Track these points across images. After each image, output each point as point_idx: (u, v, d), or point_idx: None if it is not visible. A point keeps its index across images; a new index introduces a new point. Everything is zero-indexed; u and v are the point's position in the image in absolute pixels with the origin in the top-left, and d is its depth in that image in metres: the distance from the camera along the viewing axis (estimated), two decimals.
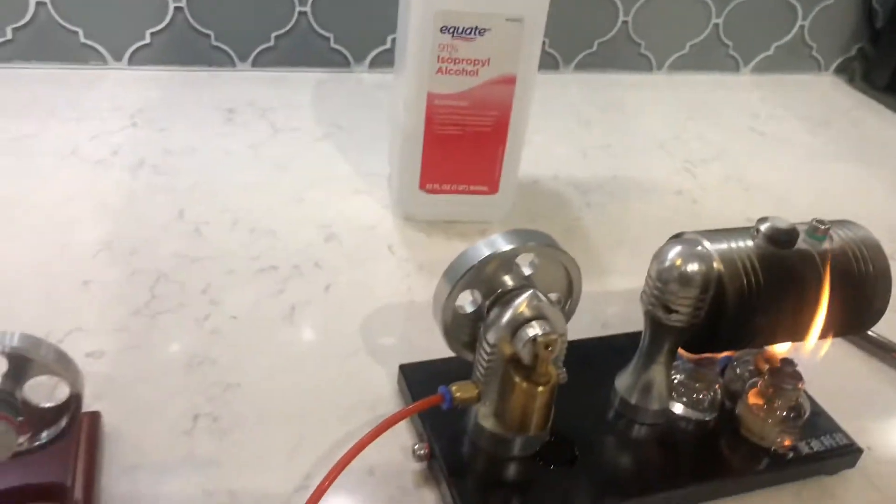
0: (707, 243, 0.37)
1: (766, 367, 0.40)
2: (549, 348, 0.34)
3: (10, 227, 0.52)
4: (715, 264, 0.36)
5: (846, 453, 0.40)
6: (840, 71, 0.96)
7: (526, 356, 0.34)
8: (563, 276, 0.38)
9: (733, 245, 0.37)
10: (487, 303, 0.36)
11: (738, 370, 0.43)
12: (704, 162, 0.72)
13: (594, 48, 0.86)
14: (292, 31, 0.76)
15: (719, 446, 0.40)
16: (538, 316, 0.35)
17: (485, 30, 0.49)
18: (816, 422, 0.41)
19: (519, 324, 0.35)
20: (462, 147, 0.54)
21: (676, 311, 0.37)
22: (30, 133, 0.62)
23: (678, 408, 0.41)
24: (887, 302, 0.38)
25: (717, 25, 0.88)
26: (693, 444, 0.40)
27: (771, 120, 0.82)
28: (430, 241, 0.56)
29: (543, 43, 0.83)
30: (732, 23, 0.88)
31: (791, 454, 0.40)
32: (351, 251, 0.54)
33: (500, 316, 0.35)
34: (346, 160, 0.64)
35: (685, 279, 0.36)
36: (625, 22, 0.85)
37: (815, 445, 0.40)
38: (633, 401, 0.40)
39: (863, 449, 0.41)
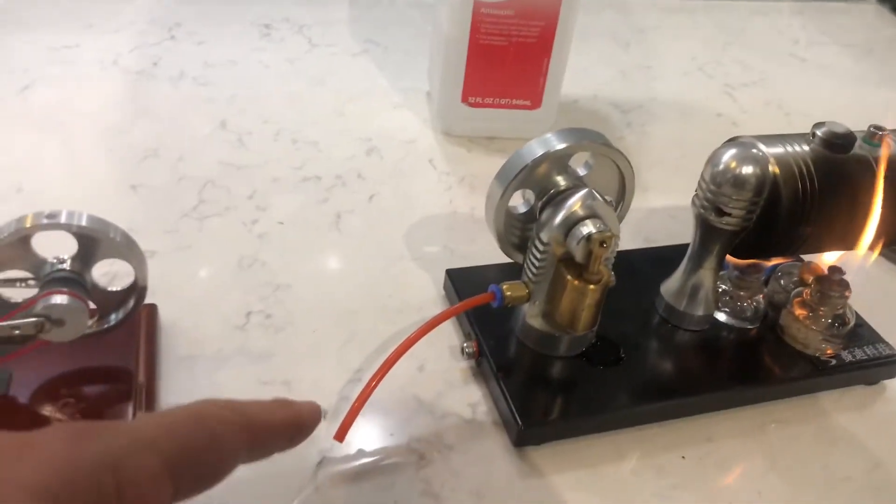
0: (763, 146, 0.36)
1: (812, 277, 0.40)
2: (604, 244, 0.34)
3: (59, 132, 0.52)
4: (770, 167, 0.36)
5: (888, 363, 0.41)
6: (884, 0, 0.93)
7: (579, 254, 0.34)
8: (617, 176, 0.38)
9: (789, 149, 0.37)
10: (540, 203, 0.37)
11: (782, 282, 0.43)
12: (745, 86, 0.71)
13: None
14: None
15: (761, 353, 0.41)
16: (592, 215, 0.35)
17: None
18: (859, 332, 0.42)
19: (573, 222, 0.35)
20: (506, 58, 0.53)
21: (729, 214, 0.37)
22: (70, 44, 0.62)
23: (721, 316, 0.41)
24: None
25: None
26: (736, 350, 0.41)
27: (812, 46, 0.81)
28: (471, 156, 0.56)
29: None
30: None
31: (833, 361, 0.40)
32: (393, 164, 0.54)
33: (553, 215, 0.35)
34: (383, 76, 0.64)
35: (739, 181, 0.36)
36: None
37: (858, 354, 0.41)
38: (679, 307, 0.41)
39: None
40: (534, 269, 0.36)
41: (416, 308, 0.42)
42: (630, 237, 0.50)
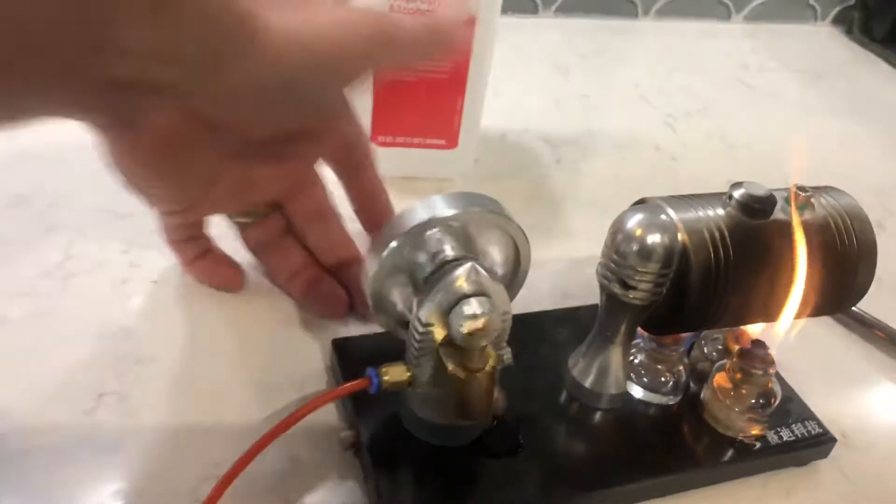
0: (671, 211, 0.32)
1: (736, 347, 0.36)
2: (484, 331, 0.30)
3: None
4: (679, 235, 0.32)
5: (819, 443, 0.37)
6: (838, 21, 0.90)
7: (459, 339, 0.30)
8: (511, 246, 0.34)
9: (701, 213, 0.33)
10: (423, 276, 0.32)
11: (705, 349, 0.39)
12: (687, 115, 0.67)
13: None
14: None
15: (681, 434, 0.36)
16: (478, 292, 0.31)
17: None
18: (788, 407, 0.38)
19: (455, 300, 0.30)
20: (416, 96, 0.49)
21: (635, 288, 0.32)
22: None
23: (637, 391, 0.37)
24: (871, 279, 0.35)
25: None
26: (652, 431, 0.36)
27: (761, 72, 0.77)
28: None
29: None
30: None
31: (758, 444, 0.36)
32: None
33: (434, 290, 0.31)
34: None
35: (645, 252, 0.32)
36: None
37: (786, 435, 0.37)
38: (586, 384, 0.36)
39: (836, 438, 0.37)
40: (415, 350, 0.32)
41: (298, 384, 0.38)
42: (546, 293, 0.45)
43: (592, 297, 0.44)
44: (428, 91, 0.49)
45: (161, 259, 0.43)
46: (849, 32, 0.89)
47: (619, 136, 0.63)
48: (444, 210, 0.32)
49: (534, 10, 0.80)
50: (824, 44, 0.87)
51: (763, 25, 0.87)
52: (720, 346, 0.39)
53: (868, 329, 0.45)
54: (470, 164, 0.54)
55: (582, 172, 0.58)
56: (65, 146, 0.50)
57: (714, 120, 0.67)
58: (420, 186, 0.53)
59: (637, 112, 0.67)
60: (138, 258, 0.43)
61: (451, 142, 0.51)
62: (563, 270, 0.48)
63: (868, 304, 0.46)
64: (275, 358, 0.39)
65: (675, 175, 0.59)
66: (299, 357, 0.39)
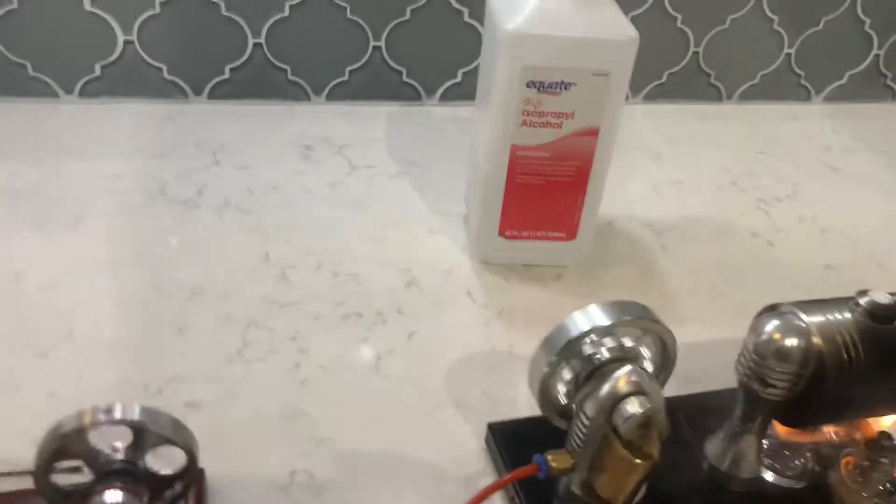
0: (804, 316, 0.37)
1: (860, 437, 0.40)
2: (650, 427, 0.34)
3: (110, 269, 0.54)
4: (814, 339, 0.36)
5: None
6: None
7: (626, 432, 0.35)
8: (659, 344, 0.38)
9: (832, 318, 0.37)
10: (584, 374, 0.37)
11: (834, 438, 0.43)
12: (778, 200, 0.71)
13: (663, 79, 0.85)
14: (366, 66, 0.77)
15: None
16: (637, 391, 0.35)
17: (571, 84, 0.50)
18: None
19: (617, 399, 0.35)
20: (542, 195, 0.54)
21: (773, 386, 0.37)
22: (119, 171, 0.64)
23: (768, 475, 0.41)
24: None
25: (789, 55, 0.87)
26: None
27: (844, 153, 0.81)
28: (508, 286, 0.56)
29: None
30: (805, 52, 0.87)
31: None
32: (431, 296, 0.54)
33: (597, 388, 0.35)
34: (421, 198, 0.65)
35: (783, 354, 0.36)
36: (695, 52, 0.84)
37: None
38: (723, 468, 0.40)
39: None
40: (579, 440, 0.36)
41: (459, 463, 0.42)
42: (674, 379, 0.49)
43: (710, 380, 0.48)
44: (553, 191, 0.54)
45: (327, 343, 0.49)
46: None
47: (717, 221, 0.67)
48: (602, 319, 0.36)
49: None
50: None
51: (843, 106, 0.91)
52: (842, 433, 0.42)
53: None
54: (587, 251, 0.59)
55: (685, 258, 0.62)
56: (225, 236, 0.57)
57: (805, 204, 0.71)
58: (540, 273, 0.58)
59: (730, 197, 0.71)
60: (306, 343, 0.49)
61: (571, 234, 0.56)
62: (683, 355, 0.52)
63: None
64: (435, 440, 0.44)
65: (773, 261, 0.63)
66: (456, 438, 0.44)
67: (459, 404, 0.46)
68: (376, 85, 0.79)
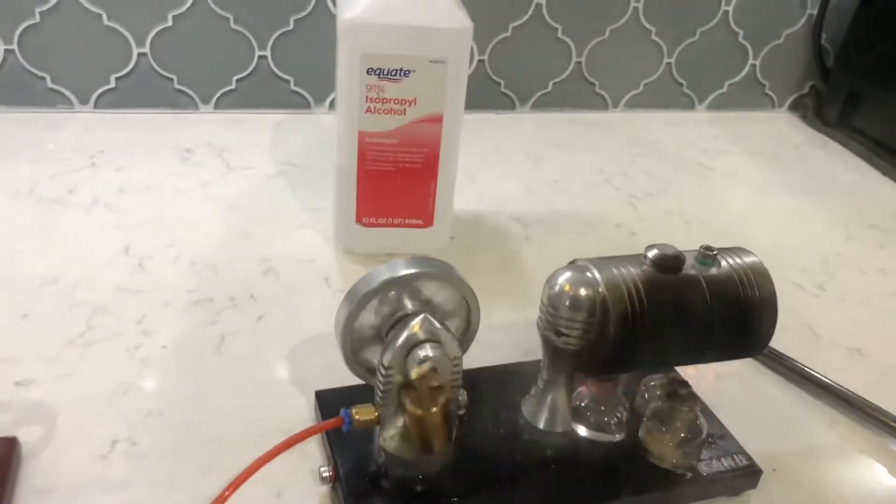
0: (595, 270, 0.38)
1: (664, 385, 0.42)
2: (434, 372, 0.35)
3: None
4: (600, 289, 0.38)
5: (746, 474, 0.42)
6: (794, 108, 0.98)
7: (415, 378, 0.36)
8: (463, 303, 0.40)
9: (621, 271, 0.39)
10: (387, 327, 0.38)
11: (646, 395, 0.44)
12: (649, 196, 0.74)
13: (549, 88, 0.88)
14: (253, 74, 0.79)
15: (622, 467, 0.41)
16: (431, 339, 0.36)
17: (410, 71, 0.52)
18: (720, 443, 0.43)
19: (411, 346, 0.36)
20: (394, 182, 0.56)
21: (567, 335, 0.38)
22: None
23: (583, 430, 0.42)
24: (773, 327, 0.40)
25: (669, 65, 0.91)
26: (597, 465, 0.41)
27: (721, 155, 0.85)
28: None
29: (499, 84, 0.86)
30: (685, 62, 0.91)
31: (689, 475, 0.41)
32: (288, 283, 0.55)
33: (394, 338, 0.37)
34: (295, 196, 0.67)
35: (573, 303, 0.38)
36: (578, 62, 0.87)
37: (716, 466, 0.41)
38: (538, 424, 0.42)
39: (762, 470, 0.42)
40: (380, 392, 0.38)
41: (285, 431, 0.43)
42: (509, 349, 0.51)
43: None
44: (404, 178, 0.56)
45: (173, 327, 0.49)
46: (804, 118, 0.96)
47: (584, 215, 0.70)
48: (403, 270, 0.38)
49: (511, 106, 0.89)
50: (782, 129, 0.94)
51: (725, 114, 0.95)
52: (658, 392, 0.44)
53: (800, 377, 0.50)
54: (446, 241, 0.60)
55: (547, 247, 0.64)
56: (88, 232, 0.58)
57: (673, 199, 0.74)
58: None
59: (602, 194, 0.74)
60: (151, 326, 0.50)
61: (427, 221, 0.58)
62: (528, 332, 0.53)
63: (806, 357, 0.52)
64: (267, 409, 0.44)
65: (633, 248, 0.65)
66: (289, 408, 0.45)
67: (297, 380, 0.47)
68: (264, 93, 0.80)
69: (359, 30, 0.50)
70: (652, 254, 0.39)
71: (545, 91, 0.89)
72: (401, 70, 0.52)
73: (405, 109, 0.53)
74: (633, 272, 0.39)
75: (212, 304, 0.52)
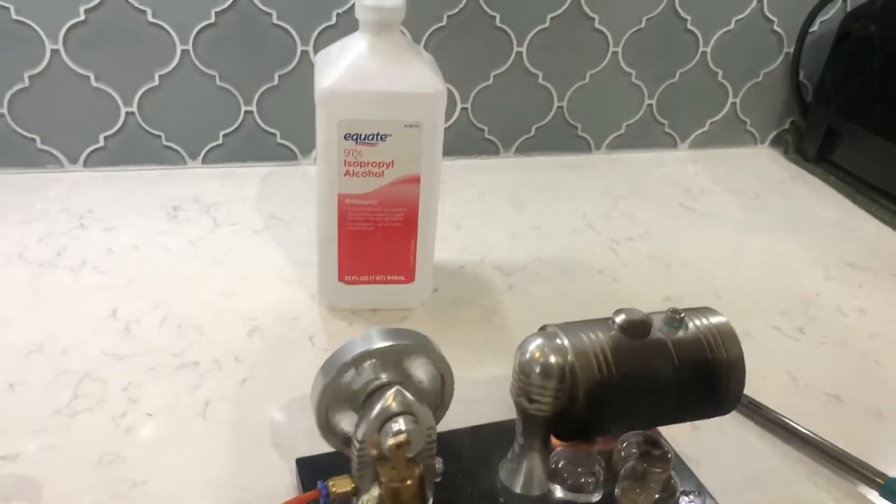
0: (564, 336, 0.39)
1: (638, 446, 0.42)
2: (408, 445, 0.36)
3: None
4: (569, 356, 0.39)
5: None
6: (776, 143, 1.00)
7: (388, 452, 0.37)
8: (438, 376, 0.41)
9: (590, 336, 0.40)
10: (362, 398, 0.39)
11: (622, 453, 0.45)
12: (630, 240, 0.75)
13: (532, 133, 0.90)
14: (240, 129, 0.81)
15: None
16: (405, 411, 0.37)
17: (386, 135, 0.53)
18: (696, 502, 0.43)
19: (385, 418, 0.37)
20: (375, 241, 0.57)
21: (538, 402, 0.39)
22: None
23: (560, 492, 0.43)
24: (742, 387, 0.41)
25: (650, 106, 0.92)
26: None
27: (702, 195, 0.86)
28: (352, 330, 0.59)
29: (482, 130, 0.87)
30: (665, 103, 0.92)
31: None
32: (272, 343, 0.56)
33: (368, 411, 0.38)
34: (281, 251, 0.68)
35: (543, 371, 0.39)
36: (560, 107, 0.89)
37: None
38: (515, 489, 0.42)
39: None
40: (356, 465, 0.38)
41: (267, 499, 0.44)
42: (494, 406, 0.52)
43: None
44: (385, 236, 0.57)
45: (158, 393, 0.50)
46: (786, 153, 0.98)
47: (566, 261, 0.71)
48: (379, 342, 0.39)
49: (496, 152, 0.90)
50: (764, 165, 0.96)
51: (707, 151, 0.97)
52: (633, 450, 0.45)
53: (778, 426, 0.51)
54: (428, 295, 0.61)
55: (530, 297, 0.65)
56: (76, 295, 0.59)
57: (654, 242, 0.75)
58: (385, 316, 0.60)
59: (584, 239, 0.75)
60: (137, 393, 0.50)
61: (409, 277, 0.59)
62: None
63: (784, 404, 0.52)
64: (251, 477, 0.45)
65: (615, 294, 0.66)
66: (272, 475, 0.45)
67: (280, 444, 0.48)
68: (251, 147, 0.82)
69: (336, 97, 0.52)
70: (619, 319, 0.40)
71: (528, 136, 0.90)
72: (377, 135, 0.53)
73: (383, 171, 0.54)
74: (601, 338, 0.39)
75: (197, 368, 0.53)
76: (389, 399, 0.37)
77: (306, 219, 0.73)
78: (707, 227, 0.79)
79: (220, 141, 0.81)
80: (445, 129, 0.55)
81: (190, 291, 0.61)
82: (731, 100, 0.95)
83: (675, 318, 0.40)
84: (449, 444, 0.41)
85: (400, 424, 0.37)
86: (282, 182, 0.80)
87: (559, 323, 0.41)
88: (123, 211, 0.72)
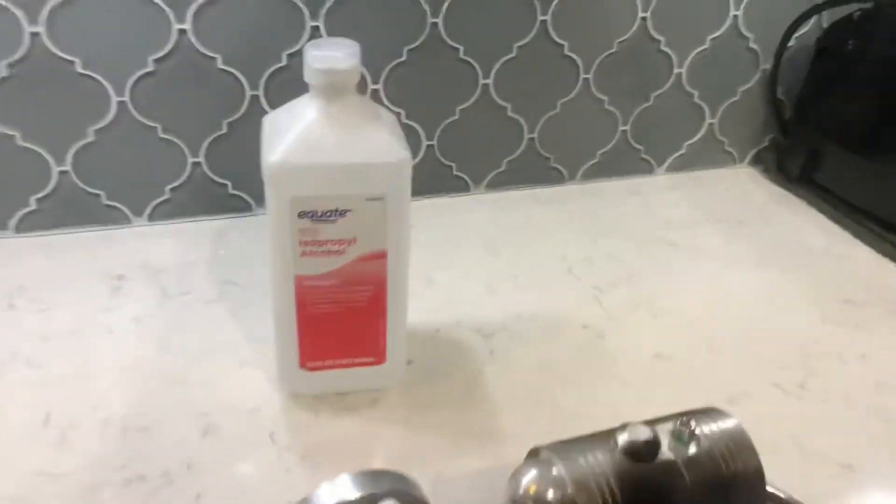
0: (561, 465, 0.34)
1: None
2: None
3: None
4: (569, 489, 0.34)
5: None
6: (756, 162, 0.96)
7: None
8: None
9: (590, 462, 0.34)
10: None
11: None
12: (613, 286, 0.70)
13: (503, 167, 0.85)
14: (188, 182, 0.74)
15: None
16: None
17: (346, 211, 0.47)
18: None
19: None
20: (339, 323, 0.51)
21: None
22: None
23: None
24: (763, 493, 0.36)
25: (624, 132, 0.88)
26: None
27: (684, 226, 0.81)
28: (318, 422, 0.53)
29: (450, 167, 0.82)
30: (640, 127, 0.88)
31: None
32: (228, 445, 0.51)
33: None
34: (237, 324, 0.62)
35: None
36: (531, 138, 0.84)
37: None
38: None
39: None
40: None
41: None
42: None
43: None
44: (350, 318, 0.51)
45: None
46: (766, 172, 0.94)
47: (548, 316, 0.66)
48: (351, 492, 0.33)
49: (466, 188, 0.85)
50: (745, 186, 0.91)
51: (686, 174, 0.92)
52: None
53: None
54: (400, 374, 0.56)
55: (513, 363, 0.60)
56: (5, 397, 0.52)
57: (639, 287, 0.70)
58: (354, 401, 0.55)
59: (565, 287, 0.70)
60: None
61: (379, 358, 0.54)
62: (496, 482, 0.49)
63: (795, 480, 0.48)
64: None
65: (602, 355, 0.61)
66: None
67: None
68: (201, 200, 0.76)
69: (286, 173, 0.46)
70: (623, 441, 0.35)
71: (499, 170, 0.85)
72: (336, 210, 0.47)
73: (344, 249, 0.49)
74: (603, 464, 0.34)
75: (144, 484, 0.47)
76: None
77: (264, 281, 0.67)
78: (692, 265, 0.74)
79: (166, 196, 0.74)
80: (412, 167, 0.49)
81: (135, 383, 0.55)
82: (708, 120, 0.91)
83: (685, 430, 0.35)
84: None
85: None
86: (237, 237, 0.74)
87: (553, 444, 0.36)
88: (61, 285, 0.65)
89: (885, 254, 0.77)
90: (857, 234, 0.80)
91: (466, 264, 0.72)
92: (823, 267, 0.75)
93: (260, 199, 0.77)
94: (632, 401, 0.57)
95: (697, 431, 0.36)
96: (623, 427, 0.35)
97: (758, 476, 0.36)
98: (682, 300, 0.69)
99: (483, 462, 0.50)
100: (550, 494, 0.33)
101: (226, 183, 0.76)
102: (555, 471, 0.34)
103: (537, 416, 0.55)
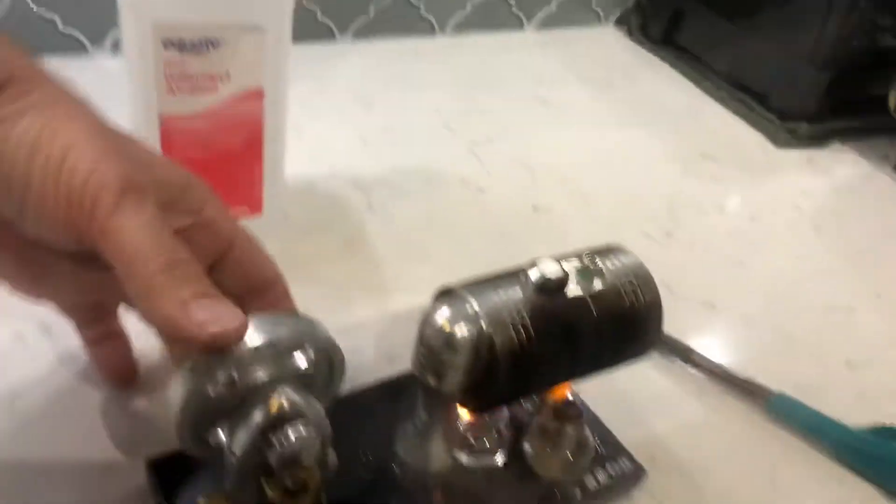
0: (474, 301, 0.33)
1: (549, 405, 0.38)
2: (301, 456, 0.29)
3: None
4: (484, 325, 0.33)
5: (631, 478, 0.40)
6: (620, 23, 0.96)
7: (277, 467, 0.30)
8: (325, 357, 0.33)
9: (503, 298, 0.34)
10: (234, 402, 0.31)
11: (523, 404, 0.41)
12: (489, 141, 0.69)
13: (371, 14, 0.79)
14: (9, 17, 0.63)
15: (510, 488, 0.38)
16: (293, 415, 0.30)
17: (218, 42, 0.42)
18: (602, 449, 0.41)
19: (269, 426, 0.30)
20: (211, 170, 0.46)
21: (447, 377, 0.33)
22: None
23: (463, 458, 0.39)
24: (661, 327, 0.38)
25: None
26: (484, 492, 0.38)
27: (555, 84, 0.81)
28: None
29: (314, 12, 0.76)
30: None
31: (579, 491, 0.38)
32: None
33: (249, 417, 0.30)
34: None
35: (454, 345, 0.33)
36: None
37: (602, 477, 0.39)
38: (416, 464, 0.37)
39: (645, 470, 0.41)
40: (234, 481, 0.31)
41: None
42: (372, 358, 0.46)
43: None
44: (223, 164, 0.47)
45: None
46: (630, 34, 0.95)
47: (427, 171, 0.64)
48: (253, 337, 0.31)
49: (331, 35, 0.79)
50: (610, 47, 0.92)
51: (554, 32, 0.91)
52: (535, 399, 0.41)
53: (665, 347, 0.49)
54: (279, 227, 0.52)
55: (393, 217, 0.58)
56: None
57: (515, 144, 0.69)
58: None
59: (442, 142, 0.68)
60: None
61: (255, 208, 0.50)
62: (385, 331, 0.48)
63: (666, 318, 0.50)
64: (93, 479, 0.36)
65: (483, 209, 0.61)
66: (117, 477, 0.37)
67: (122, 441, 0.39)
68: (24, 38, 0.65)
69: None
70: (535, 277, 0.34)
71: (366, 17, 0.79)
72: (207, 41, 0.42)
73: (217, 86, 0.43)
74: (515, 300, 0.34)
75: None
76: (273, 403, 0.30)
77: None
78: (564, 123, 0.75)
79: None
80: None
81: None
82: None
83: (590, 267, 0.36)
84: (335, 416, 0.34)
85: (290, 435, 0.29)
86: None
87: (464, 283, 0.35)
88: None
89: (737, 112, 0.81)
90: (714, 96, 0.83)
91: (339, 116, 0.68)
92: (683, 125, 0.78)
93: (95, 38, 0.68)
94: (515, 251, 0.57)
95: (602, 267, 0.36)
96: (533, 263, 0.35)
97: (658, 308, 0.38)
98: (554, 157, 0.69)
99: (372, 311, 0.49)
100: (465, 330, 0.33)
101: (53, 18, 0.65)
102: (468, 308, 0.33)
103: (421, 270, 0.54)
